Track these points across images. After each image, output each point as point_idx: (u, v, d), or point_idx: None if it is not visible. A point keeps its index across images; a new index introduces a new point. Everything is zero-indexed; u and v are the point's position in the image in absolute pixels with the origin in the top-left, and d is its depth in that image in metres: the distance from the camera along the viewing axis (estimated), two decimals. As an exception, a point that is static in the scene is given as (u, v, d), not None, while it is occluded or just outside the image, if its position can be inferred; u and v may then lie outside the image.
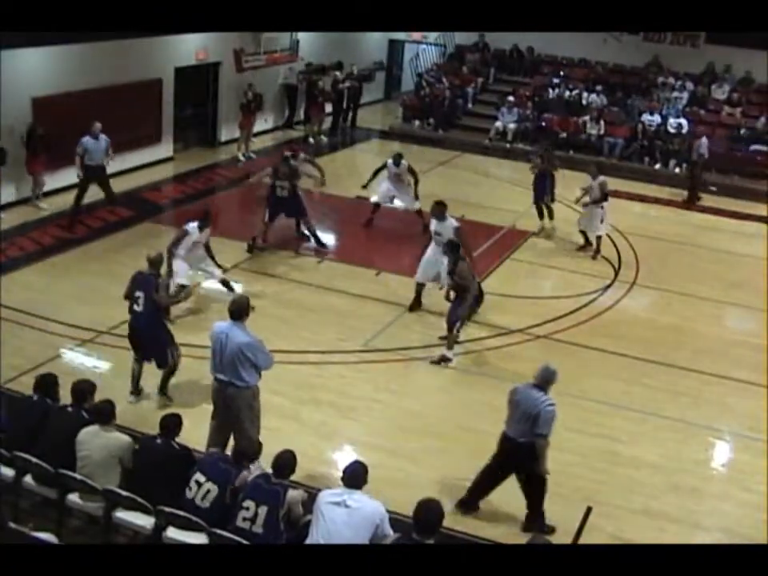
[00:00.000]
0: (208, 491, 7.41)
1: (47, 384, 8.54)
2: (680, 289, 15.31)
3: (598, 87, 26.20)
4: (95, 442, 7.86)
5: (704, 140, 21.69)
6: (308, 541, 6.90)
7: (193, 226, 12.97)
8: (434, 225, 13.46)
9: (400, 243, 16.50)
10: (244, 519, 7.15)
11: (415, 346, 12.48)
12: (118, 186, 17.82)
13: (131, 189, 18.44)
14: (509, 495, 8.77)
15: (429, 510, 6.49)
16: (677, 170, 23.62)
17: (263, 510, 7.11)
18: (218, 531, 7.05)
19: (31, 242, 15.27)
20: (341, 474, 7.17)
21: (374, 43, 29.97)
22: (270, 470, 7.37)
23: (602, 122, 24.59)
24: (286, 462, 7.37)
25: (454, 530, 8.41)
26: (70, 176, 16.75)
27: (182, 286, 11.12)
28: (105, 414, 7.99)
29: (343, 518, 6.79)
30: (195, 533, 7.23)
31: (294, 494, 7.28)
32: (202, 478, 7.47)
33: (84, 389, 8.29)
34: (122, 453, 7.89)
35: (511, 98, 25.87)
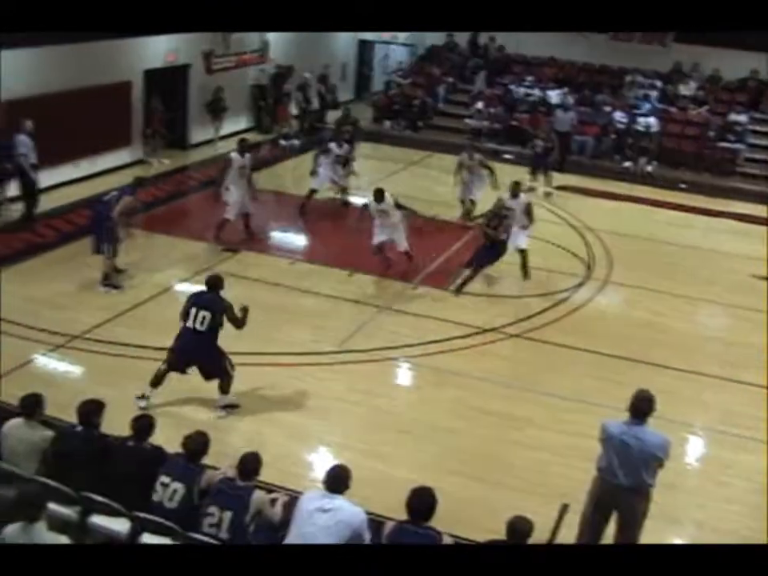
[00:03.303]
0: (174, 491, 7.34)
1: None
2: (652, 285, 15.37)
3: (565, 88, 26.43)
4: (17, 435, 7.89)
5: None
6: (285, 543, 6.87)
7: (234, 154, 15.45)
8: (507, 201, 14.98)
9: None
10: (210, 525, 7.10)
11: (389, 347, 12.46)
12: (88, 189, 17.71)
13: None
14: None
15: (422, 496, 6.68)
16: (648, 167, 23.73)
17: (228, 516, 7.06)
18: (192, 535, 7.00)
19: (2, 246, 15.08)
20: (316, 475, 7.17)
21: (343, 43, 29.91)
22: (233, 473, 7.34)
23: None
24: (250, 463, 7.33)
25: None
26: (40, 179, 16.59)
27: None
28: (28, 407, 7.96)
29: (321, 522, 6.76)
30: (169, 538, 7.18)
31: (260, 496, 7.24)
32: (166, 479, 7.40)
33: (91, 410, 8.15)
34: (45, 446, 7.86)
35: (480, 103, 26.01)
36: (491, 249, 14.51)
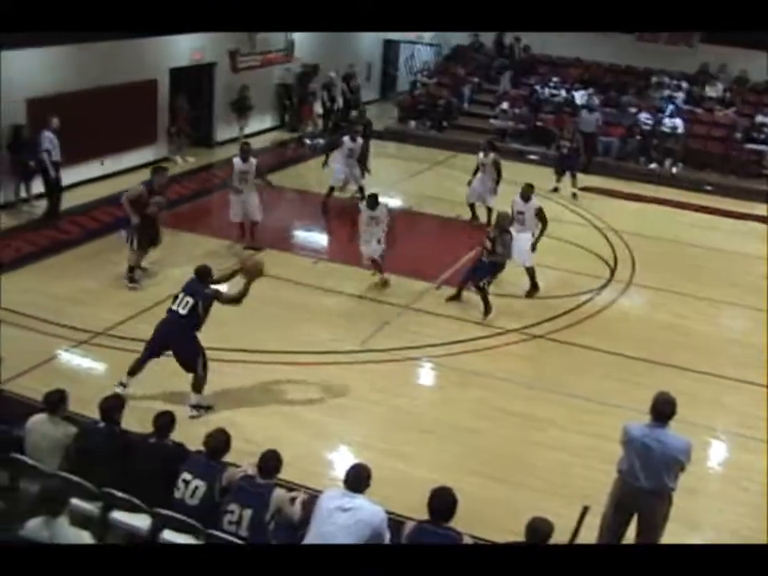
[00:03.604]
0: (196, 488, 7.37)
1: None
2: (676, 288, 15.29)
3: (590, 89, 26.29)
4: (41, 430, 7.96)
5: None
6: (303, 542, 6.87)
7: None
8: (519, 205, 14.50)
9: (396, 244, 16.48)
10: (229, 523, 7.12)
11: (411, 346, 12.46)
12: (112, 187, 17.80)
13: (126, 190, 18.35)
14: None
15: (442, 497, 6.69)
16: (673, 169, 23.61)
17: (248, 513, 7.08)
18: (213, 532, 7.03)
19: (26, 244, 15.22)
20: (337, 474, 7.18)
21: (368, 43, 29.92)
22: (254, 471, 7.36)
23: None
24: (270, 461, 7.34)
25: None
26: (65, 177, 16.70)
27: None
28: (52, 403, 8.03)
29: (341, 521, 6.76)
30: (190, 535, 7.21)
31: (280, 494, 7.26)
32: (188, 476, 7.43)
33: (112, 406, 8.21)
34: (68, 442, 7.94)
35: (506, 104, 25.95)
36: (489, 266, 13.64)
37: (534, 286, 14.58)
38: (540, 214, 14.41)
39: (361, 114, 21.95)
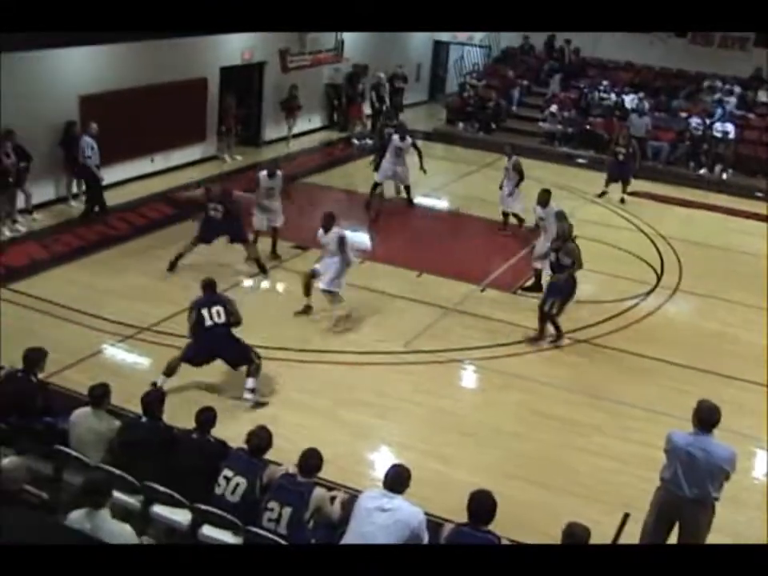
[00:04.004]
0: (237, 485, 7.42)
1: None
2: (723, 295, 15.10)
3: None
4: (85, 424, 8.07)
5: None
6: (342, 542, 6.89)
7: (395, 135, 17.65)
8: (538, 211, 14.24)
9: (442, 244, 16.51)
10: (269, 520, 7.16)
11: (455, 348, 12.45)
12: (161, 184, 17.97)
13: (175, 187, 18.54)
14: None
15: (482, 500, 6.68)
16: (723, 175, 23.37)
17: (287, 512, 7.11)
18: (253, 529, 7.07)
19: (75, 238, 15.40)
20: (378, 475, 7.17)
21: (418, 44, 29.91)
22: (294, 469, 7.38)
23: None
24: (311, 460, 7.36)
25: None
26: (115, 173, 16.91)
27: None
28: (97, 397, 8.14)
29: (380, 522, 6.78)
30: (229, 531, 7.27)
31: (320, 493, 7.29)
32: (230, 473, 7.48)
33: (153, 400, 8.29)
34: (111, 435, 8.05)
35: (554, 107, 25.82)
36: (559, 286, 12.54)
37: (537, 286, 14.21)
38: (561, 217, 13.34)
39: (388, 116, 21.72)
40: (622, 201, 20.14)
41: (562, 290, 12.46)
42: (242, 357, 10.63)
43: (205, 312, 10.43)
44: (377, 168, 18.55)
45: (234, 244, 14.46)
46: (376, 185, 18.20)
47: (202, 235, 14.23)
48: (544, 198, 14.29)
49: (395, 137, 17.99)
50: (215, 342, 10.48)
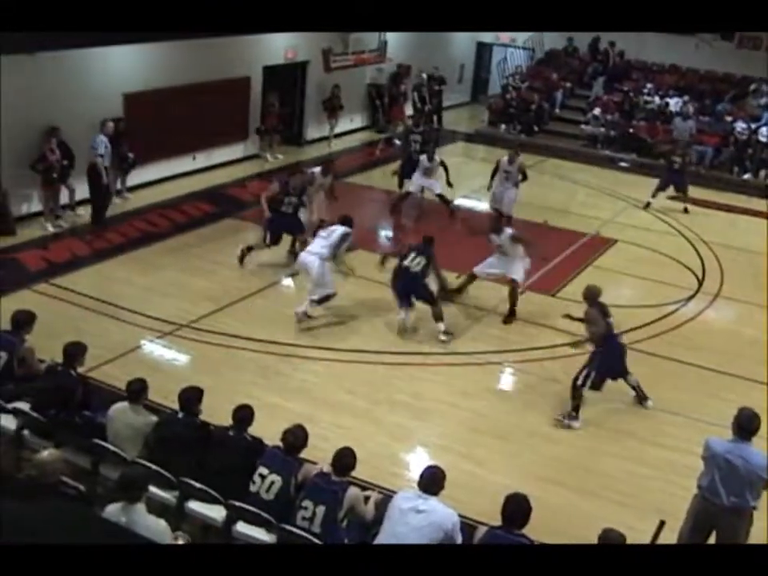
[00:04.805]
0: (272, 483, 7.46)
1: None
2: (765, 302, 14.94)
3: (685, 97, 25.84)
4: (123, 419, 8.16)
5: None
6: (375, 542, 6.91)
7: (423, 156, 17.50)
8: (493, 238, 13.50)
9: (482, 247, 16.43)
10: (303, 519, 7.19)
11: (492, 350, 12.44)
12: (203, 182, 18.08)
13: (216, 185, 18.67)
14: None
15: (517, 503, 6.67)
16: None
17: (321, 510, 7.14)
18: (286, 527, 7.11)
19: (117, 235, 15.55)
20: (413, 476, 7.18)
21: (461, 45, 29.88)
22: (329, 468, 7.40)
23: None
24: (345, 459, 7.38)
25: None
26: (157, 170, 17.05)
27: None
28: (134, 392, 8.23)
29: (414, 523, 6.79)
30: (263, 529, 7.31)
31: (354, 493, 7.31)
32: (265, 471, 7.52)
33: (190, 396, 8.32)
34: (148, 431, 8.14)
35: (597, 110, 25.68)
36: (593, 354, 10.99)
37: (512, 310, 13.56)
38: (515, 239, 13.25)
39: (416, 122, 20.55)
40: (686, 210, 19.85)
41: (597, 361, 10.85)
42: (428, 296, 12.62)
43: (413, 255, 12.41)
44: (401, 178, 18.55)
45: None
46: (407, 193, 18.19)
47: (273, 239, 14.41)
48: (497, 226, 14.07)
49: (423, 158, 17.73)
50: (412, 282, 12.44)
